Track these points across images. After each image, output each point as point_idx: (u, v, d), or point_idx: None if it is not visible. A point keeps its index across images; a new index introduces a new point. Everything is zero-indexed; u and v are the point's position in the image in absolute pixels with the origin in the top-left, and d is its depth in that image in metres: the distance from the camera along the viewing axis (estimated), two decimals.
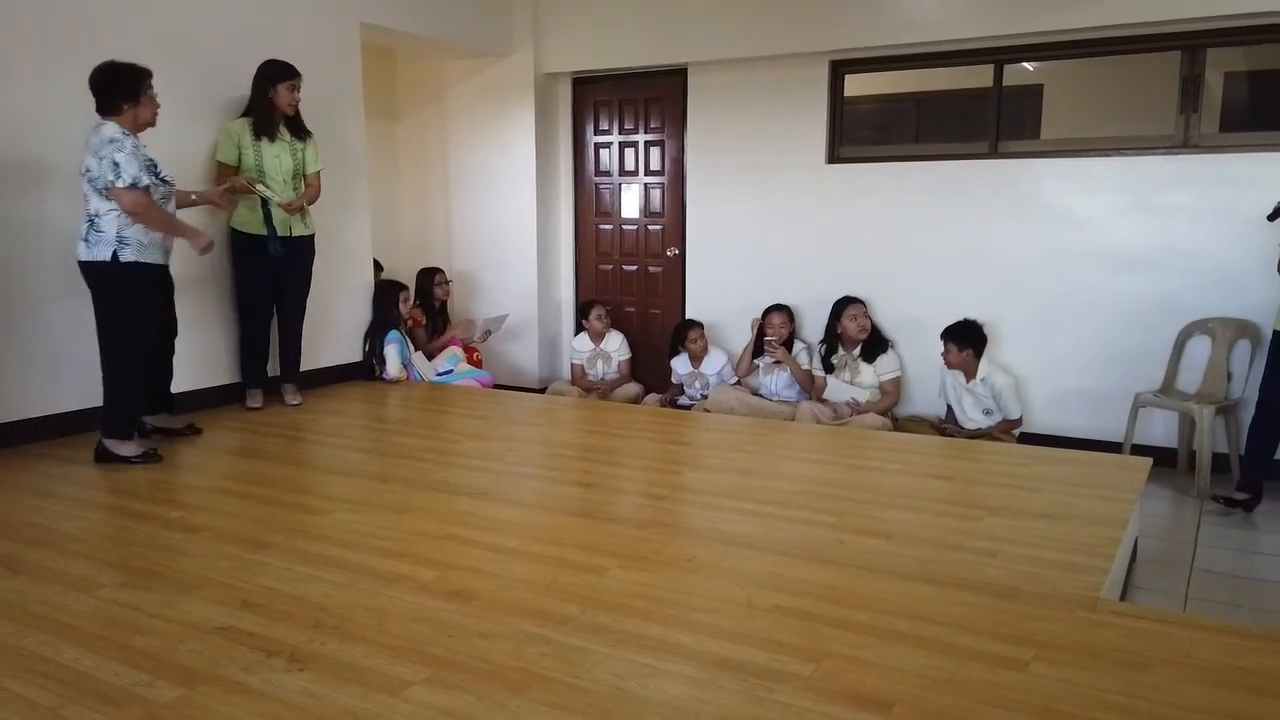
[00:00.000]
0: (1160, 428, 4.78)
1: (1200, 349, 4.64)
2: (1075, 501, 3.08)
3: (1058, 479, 3.38)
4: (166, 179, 3.63)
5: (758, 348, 5.46)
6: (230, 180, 4.24)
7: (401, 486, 3.35)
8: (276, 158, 4.39)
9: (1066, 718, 1.78)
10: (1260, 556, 3.66)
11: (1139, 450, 4.54)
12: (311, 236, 4.63)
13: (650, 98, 6.18)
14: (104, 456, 3.61)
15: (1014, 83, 5.24)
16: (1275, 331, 4.03)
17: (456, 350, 5.60)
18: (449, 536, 2.81)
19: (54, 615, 2.26)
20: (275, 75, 4.35)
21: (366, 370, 5.28)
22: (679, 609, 2.29)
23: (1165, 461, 4.68)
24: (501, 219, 6.47)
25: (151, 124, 3.64)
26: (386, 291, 5.39)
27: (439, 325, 5.84)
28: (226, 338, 4.61)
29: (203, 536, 2.80)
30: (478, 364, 5.72)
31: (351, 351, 5.30)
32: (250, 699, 1.86)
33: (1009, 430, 4.89)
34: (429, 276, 5.87)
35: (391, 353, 5.15)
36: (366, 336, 5.30)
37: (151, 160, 3.56)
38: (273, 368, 4.70)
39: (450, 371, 5.44)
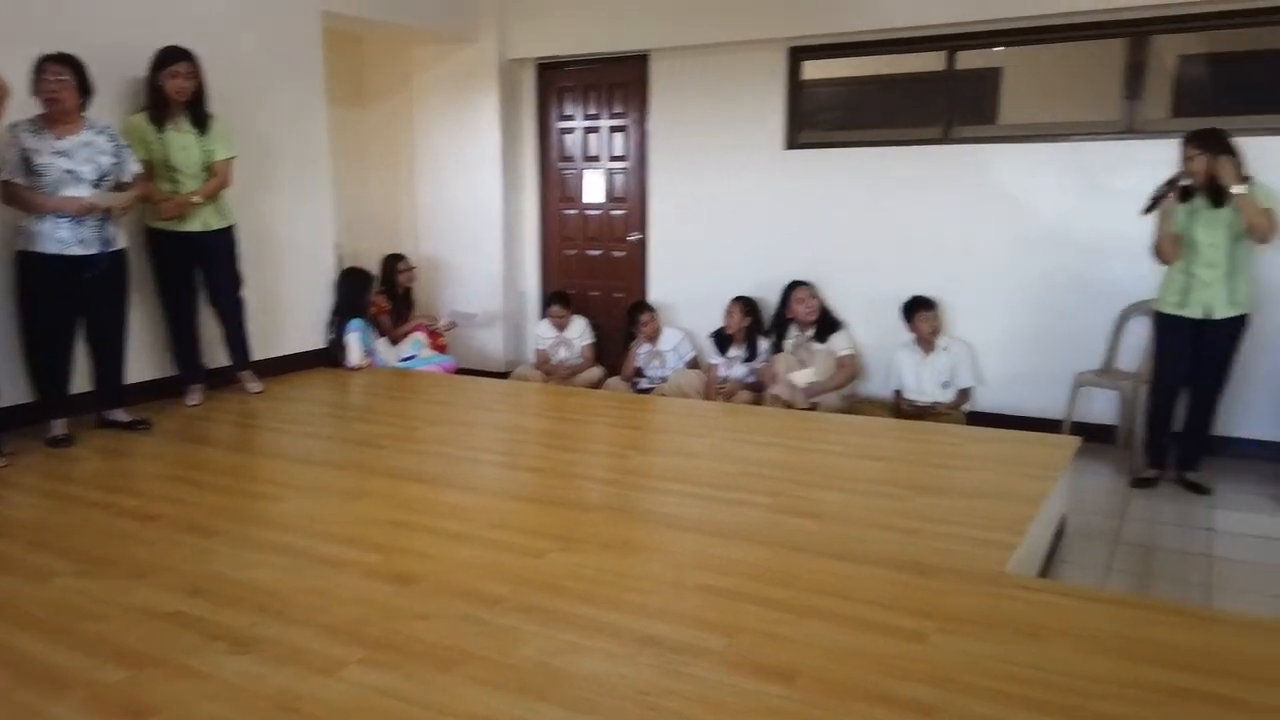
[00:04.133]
0: (1101, 406, 4.93)
1: (1140, 329, 4.78)
2: (1001, 480, 3.22)
3: (989, 458, 3.52)
4: (38, 169, 3.65)
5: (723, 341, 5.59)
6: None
7: (356, 473, 3.45)
8: (184, 150, 4.25)
9: (958, 685, 1.91)
10: (1184, 529, 3.81)
11: (1080, 428, 4.69)
12: (230, 228, 4.50)
13: (614, 84, 6.24)
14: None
15: (974, 66, 5.34)
16: (1158, 314, 4.25)
17: (420, 336, 5.69)
18: (397, 522, 2.92)
19: (10, 603, 2.35)
20: (157, 62, 4.13)
21: (330, 357, 5.36)
22: (610, 589, 2.41)
23: (1107, 438, 4.85)
24: (467, 204, 6.54)
25: (45, 111, 3.67)
26: (352, 279, 5.46)
27: (403, 311, 5.92)
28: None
29: (158, 525, 2.90)
30: (442, 349, 5.81)
31: (315, 338, 5.37)
32: (192, 680, 1.97)
33: (963, 402, 5.06)
34: (393, 262, 5.94)
35: (353, 341, 5.23)
36: (330, 323, 5.37)
37: (26, 149, 3.63)
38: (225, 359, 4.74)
39: (413, 357, 5.54)
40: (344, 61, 6.44)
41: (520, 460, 3.70)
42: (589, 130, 6.38)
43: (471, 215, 6.54)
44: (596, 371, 6.00)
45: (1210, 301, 4.06)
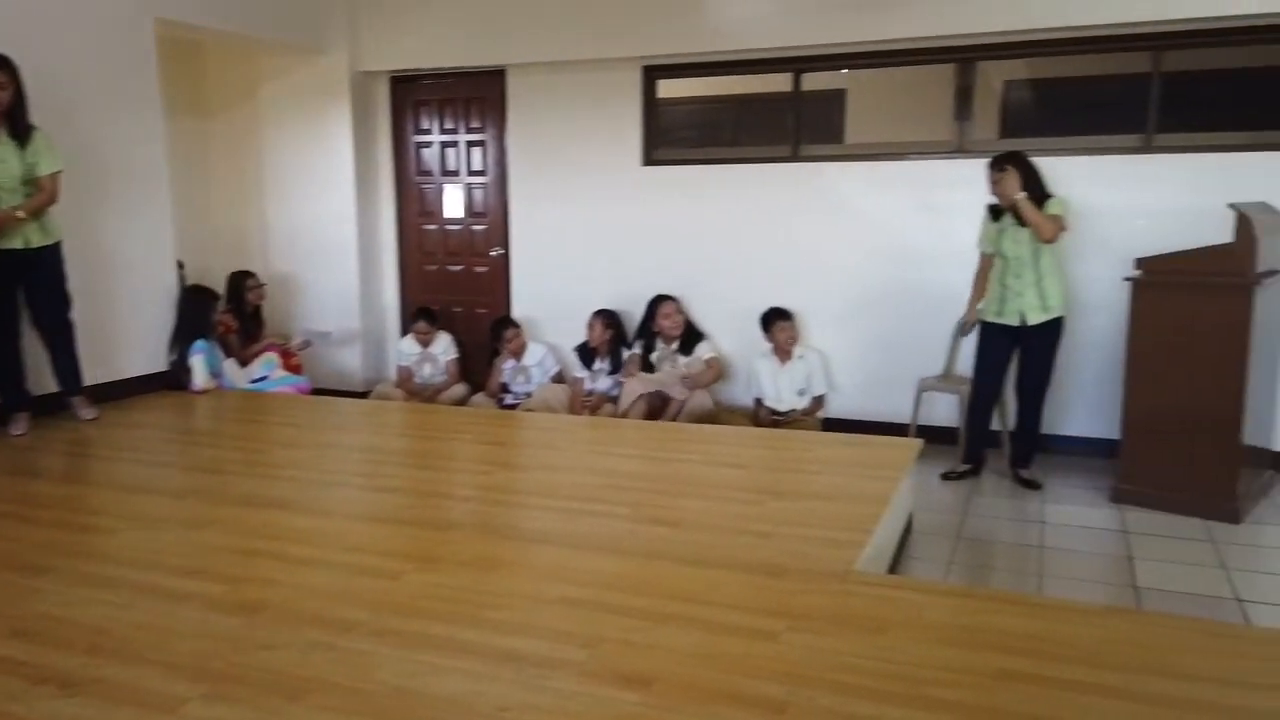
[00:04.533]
0: (944, 409, 5.21)
1: (974, 337, 5.08)
2: (850, 482, 3.36)
3: (839, 461, 3.67)
4: None
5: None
6: None
7: (200, 501, 3.28)
8: (2, 163, 3.98)
9: (806, 680, 1.98)
10: (1019, 523, 4.08)
11: (925, 430, 4.95)
12: (55, 245, 4.21)
13: (471, 98, 6.20)
14: None
15: (820, 87, 5.58)
16: (981, 322, 4.60)
17: (272, 356, 5.48)
18: (244, 550, 2.79)
19: None
20: None
21: (174, 380, 5.07)
22: (469, 607, 2.38)
23: (950, 439, 5.13)
24: (321, 219, 6.35)
25: None
26: (195, 298, 5.21)
27: (252, 330, 5.68)
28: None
29: None
30: (296, 369, 5.60)
31: (156, 361, 5.08)
32: None
33: (818, 409, 5.24)
34: (241, 279, 5.70)
35: (198, 363, 4.97)
36: (172, 344, 5.09)
37: None
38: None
39: (264, 378, 5.32)
40: (184, 71, 6.16)
41: (378, 481, 3.61)
42: (447, 145, 6.31)
43: (325, 230, 6.35)
44: (461, 388, 5.92)
45: (1024, 309, 4.39)
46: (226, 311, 5.47)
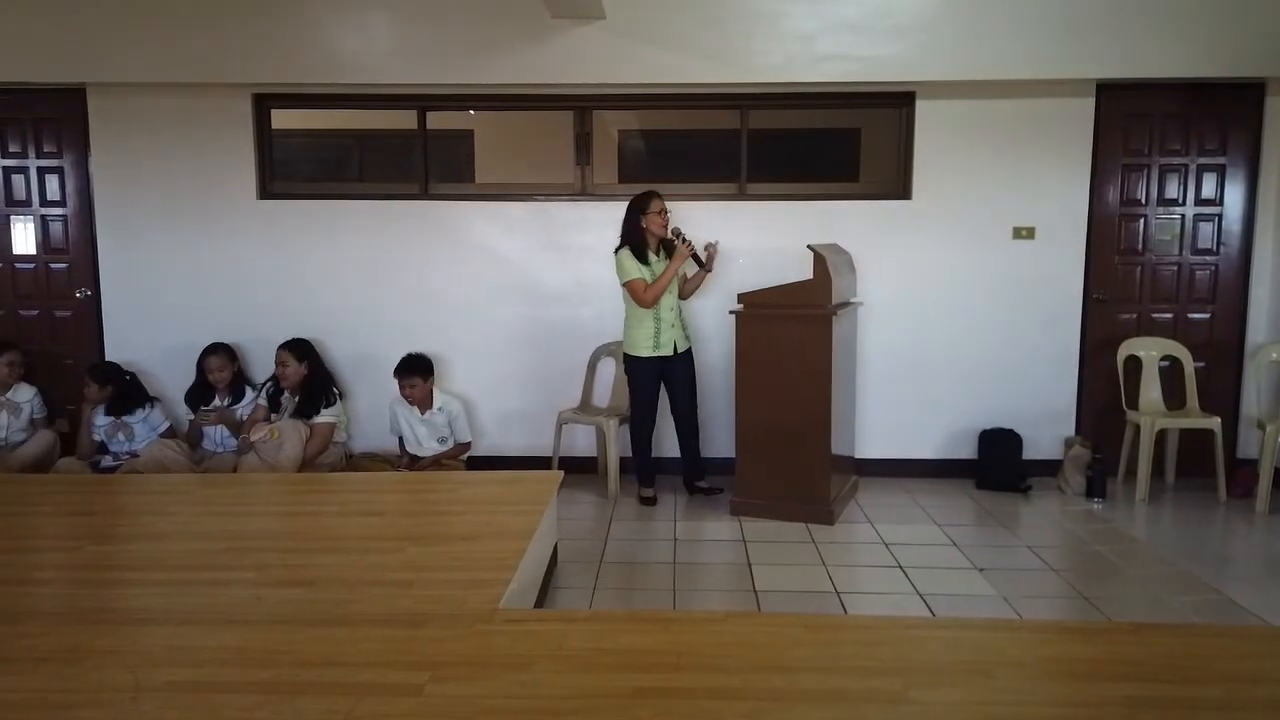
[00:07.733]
0: (583, 440, 5.41)
1: (607, 369, 5.36)
2: (494, 519, 3.34)
3: (483, 499, 3.64)
4: None
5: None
6: None
7: None
8: None
9: None
10: (654, 543, 4.32)
11: (567, 461, 5.10)
12: None
13: (40, 119, 5.40)
14: None
15: (448, 127, 5.56)
16: (636, 358, 4.83)
17: None
18: None
19: None
20: None
21: None
22: (48, 711, 2.00)
23: (589, 468, 5.33)
24: None
25: None
26: None
27: None
28: None
29: None
30: None
31: None
32: None
33: (461, 454, 5.15)
34: None
35: None
36: None
37: None
38: None
39: None
40: None
41: None
42: (11, 170, 5.43)
43: None
44: (34, 446, 5.01)
45: (675, 339, 4.83)
46: None
